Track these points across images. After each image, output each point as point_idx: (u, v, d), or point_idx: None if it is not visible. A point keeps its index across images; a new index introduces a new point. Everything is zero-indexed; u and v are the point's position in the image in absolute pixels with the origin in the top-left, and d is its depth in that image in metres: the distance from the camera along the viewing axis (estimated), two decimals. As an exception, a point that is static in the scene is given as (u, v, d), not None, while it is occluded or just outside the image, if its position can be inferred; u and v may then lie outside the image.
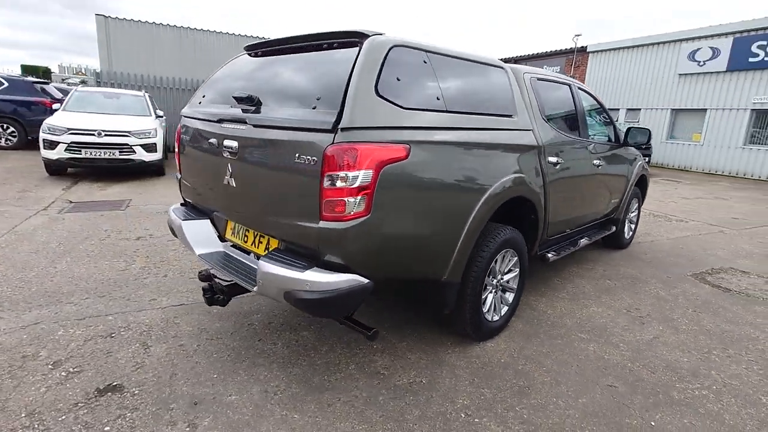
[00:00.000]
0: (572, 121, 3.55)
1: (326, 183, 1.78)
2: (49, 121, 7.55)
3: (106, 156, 7.59)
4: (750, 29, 13.72)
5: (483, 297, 2.61)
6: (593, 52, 19.00)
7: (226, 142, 2.25)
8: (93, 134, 7.46)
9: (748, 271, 4.53)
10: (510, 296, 2.92)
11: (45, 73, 41.69)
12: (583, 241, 3.86)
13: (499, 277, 2.76)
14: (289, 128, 1.93)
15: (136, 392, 2.14)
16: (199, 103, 2.71)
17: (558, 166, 3.13)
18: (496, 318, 2.80)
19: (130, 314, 2.92)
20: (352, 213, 1.79)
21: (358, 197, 1.77)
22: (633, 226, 5.22)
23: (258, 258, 2.34)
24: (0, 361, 2.33)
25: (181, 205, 2.97)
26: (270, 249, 2.26)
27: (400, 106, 1.96)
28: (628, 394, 2.33)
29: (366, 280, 1.86)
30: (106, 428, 1.89)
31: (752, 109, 13.81)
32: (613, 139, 4.26)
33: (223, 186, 2.33)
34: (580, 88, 3.85)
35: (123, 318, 2.86)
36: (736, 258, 4.99)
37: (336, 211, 1.79)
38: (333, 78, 1.94)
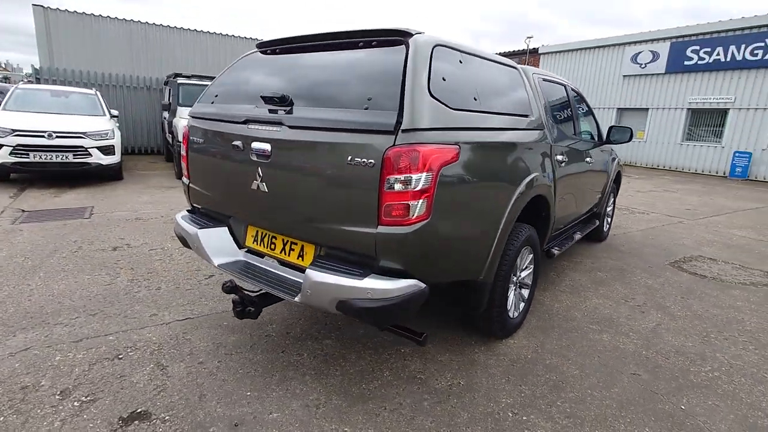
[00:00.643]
0: (569, 120, 3.68)
1: (387, 186, 1.71)
2: (-12, 121, 6.83)
3: (59, 160, 6.97)
4: (684, 35, 14.90)
5: (507, 295, 2.64)
6: (544, 53, 19.87)
7: (256, 145, 2.12)
8: (42, 136, 6.82)
9: (714, 258, 4.92)
10: (526, 293, 2.98)
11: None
12: (577, 236, 4.01)
13: (518, 274, 2.81)
14: (338, 130, 1.84)
15: (167, 418, 1.98)
16: (212, 102, 2.54)
17: (563, 164, 3.23)
18: (516, 315, 2.85)
19: (132, 332, 2.69)
20: (414, 217, 1.74)
21: (420, 200, 1.73)
22: (609, 220, 5.50)
23: (281, 264, 2.24)
24: (-3, 394, 2.06)
25: (188, 212, 2.77)
26: (304, 256, 2.16)
27: (449, 107, 1.93)
28: (652, 381, 2.44)
29: (424, 285, 1.82)
30: (146, 460, 1.72)
31: (688, 109, 15.01)
32: (596, 137, 4.46)
33: (250, 191, 2.19)
34: (572, 88, 4.00)
35: (126, 337, 2.63)
36: (701, 246, 5.39)
37: (397, 215, 1.73)
38: (383, 78, 1.87)
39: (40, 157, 6.84)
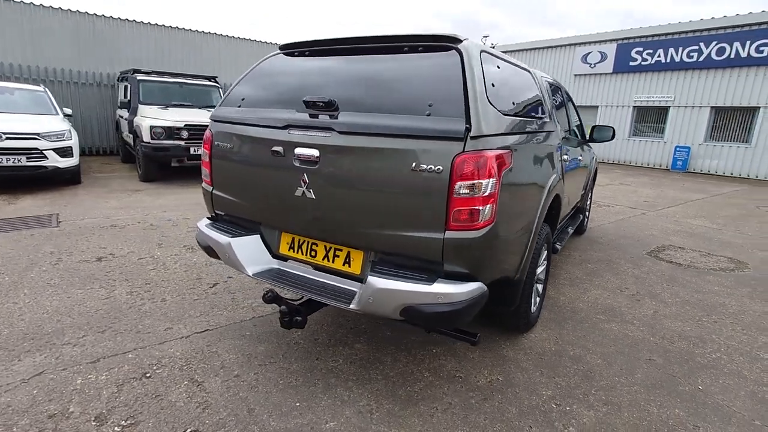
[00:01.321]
0: (565, 119, 3.86)
1: (456, 192, 1.74)
2: (-74, 122, 6.12)
3: (11, 163, 6.39)
4: (629, 37, 15.92)
5: (533, 291, 2.75)
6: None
7: (300, 151, 2.06)
8: (-9, 138, 6.21)
9: (682, 246, 5.34)
10: (540, 287, 3.11)
11: None
12: (570, 230, 4.23)
13: (537, 270, 2.93)
14: (398, 136, 1.84)
15: (221, 436, 1.90)
16: (239, 106, 2.43)
17: (566, 163, 3.39)
18: (534, 309, 2.97)
19: (152, 348, 2.54)
20: (482, 221, 1.78)
21: (488, 205, 1.76)
22: (588, 214, 5.82)
23: (317, 270, 2.21)
24: (24, 427, 1.89)
25: (209, 218, 2.65)
26: (350, 262, 2.14)
27: (501, 112, 1.98)
28: (667, 365, 2.64)
29: (485, 287, 1.86)
30: (217, 483, 1.65)
31: (634, 106, 16.09)
32: (579, 135, 4.70)
33: (292, 198, 2.14)
34: (564, 89, 4.19)
35: (146, 354, 2.49)
36: (668, 236, 5.83)
37: (466, 219, 1.76)
38: (442, 84, 1.88)
39: (-11, 161, 6.23)
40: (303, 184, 2.08)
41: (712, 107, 14.19)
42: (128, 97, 8.98)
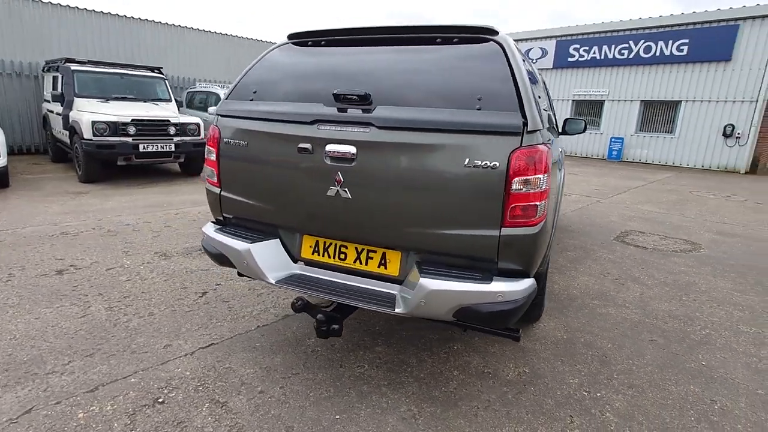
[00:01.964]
0: (551, 114, 3.97)
1: (514, 188, 1.70)
2: None
3: (-76, 166, 5.51)
4: (567, 35, 16.83)
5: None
6: (446, 47, 20.86)
7: (334, 147, 1.92)
8: None
9: (642, 231, 5.74)
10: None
11: None
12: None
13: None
14: (447, 131, 1.76)
15: (266, 460, 1.75)
16: (251, 99, 2.22)
17: (558, 154, 3.49)
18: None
19: (155, 370, 2.29)
20: (538, 216, 1.75)
21: (543, 201, 1.74)
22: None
23: (345, 273, 2.10)
24: (29, 475, 1.62)
25: (216, 222, 2.42)
26: (386, 264, 2.04)
27: (539, 107, 1.96)
28: (668, 344, 2.80)
29: (535, 282, 1.85)
30: None
31: (573, 100, 17.08)
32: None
33: (324, 198, 1.99)
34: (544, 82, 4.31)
35: (151, 376, 2.23)
36: (626, 222, 6.25)
37: (523, 215, 1.73)
38: (488, 77, 1.82)
39: None
40: (337, 183, 1.95)
41: (641, 101, 15.40)
42: (59, 90, 8.08)
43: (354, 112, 1.95)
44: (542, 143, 1.75)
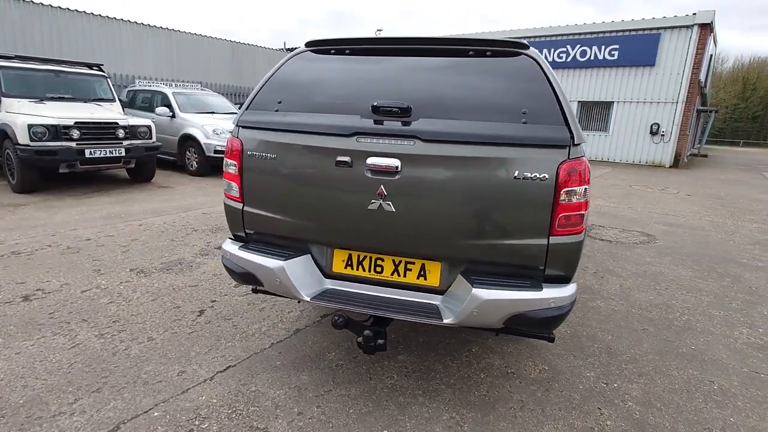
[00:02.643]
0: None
1: (563, 198, 1.77)
2: None
3: None
4: (540, 35, 17.60)
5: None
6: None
7: (376, 161, 1.89)
8: None
9: (602, 225, 6.18)
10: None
11: None
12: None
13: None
14: (496, 144, 1.80)
15: (328, 486, 1.70)
16: (276, 110, 2.12)
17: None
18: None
19: (177, 400, 2.14)
20: (583, 224, 1.84)
21: (587, 209, 1.83)
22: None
23: (379, 286, 2.09)
24: None
25: (235, 239, 2.29)
26: (426, 275, 2.05)
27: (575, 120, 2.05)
28: (659, 332, 3.06)
29: (577, 288, 1.95)
30: None
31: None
32: None
33: (365, 212, 1.96)
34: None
35: (175, 408, 2.08)
36: (585, 216, 6.69)
37: (570, 224, 1.81)
38: (526, 90, 1.88)
39: None
40: (380, 196, 1.92)
41: (579, 101, 16.52)
42: (-18, 89, 7.18)
43: (393, 125, 1.93)
44: (583, 156, 1.84)
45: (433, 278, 2.05)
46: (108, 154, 6.96)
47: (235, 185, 2.19)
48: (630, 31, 14.99)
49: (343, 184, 1.98)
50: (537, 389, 2.36)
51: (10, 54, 7.62)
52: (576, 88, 16.44)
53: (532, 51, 2.02)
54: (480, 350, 2.73)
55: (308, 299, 2.06)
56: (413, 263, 2.07)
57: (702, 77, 15.11)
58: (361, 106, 1.99)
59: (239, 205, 2.21)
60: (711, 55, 17.69)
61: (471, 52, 2.05)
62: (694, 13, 13.77)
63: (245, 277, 2.15)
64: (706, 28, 13.90)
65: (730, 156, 23.56)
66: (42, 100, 7.18)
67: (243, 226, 2.24)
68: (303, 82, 2.20)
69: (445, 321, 1.90)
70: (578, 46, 16.00)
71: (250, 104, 2.20)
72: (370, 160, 1.91)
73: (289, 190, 2.09)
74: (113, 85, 11.59)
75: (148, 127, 7.60)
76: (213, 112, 9.76)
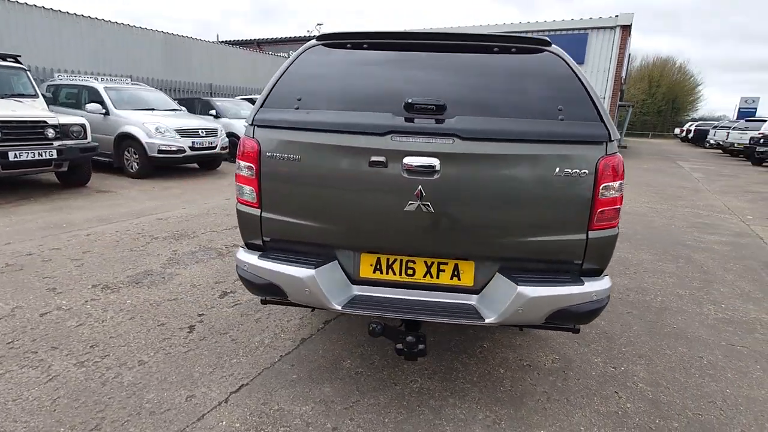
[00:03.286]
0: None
1: (601, 193, 1.81)
2: None
3: None
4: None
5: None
6: (336, 41, 20.78)
7: (414, 160, 1.82)
8: None
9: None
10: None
11: None
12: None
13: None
14: (536, 141, 1.80)
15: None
16: (296, 108, 1.96)
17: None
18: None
19: (195, 429, 1.93)
20: (618, 219, 1.90)
21: (622, 204, 1.89)
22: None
23: (407, 288, 2.04)
24: None
25: (250, 247, 2.10)
26: (460, 275, 2.02)
27: None
28: (642, 315, 3.27)
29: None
30: None
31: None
32: None
33: (401, 213, 1.87)
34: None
35: (195, 438, 1.88)
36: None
37: (607, 218, 1.86)
38: (557, 87, 1.89)
39: None
40: (417, 197, 1.85)
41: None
42: None
43: (428, 123, 1.87)
44: (618, 151, 1.90)
45: (467, 278, 2.02)
46: (36, 157, 6.17)
47: (251, 190, 2.01)
48: (561, 30, 15.97)
49: (378, 186, 1.89)
50: (555, 379, 2.43)
51: None
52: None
53: (555, 47, 2.04)
54: (491, 345, 2.76)
55: (339, 308, 1.95)
56: (446, 264, 2.03)
57: (623, 74, 16.49)
58: (391, 104, 1.90)
59: (257, 211, 2.03)
60: (629, 54, 19.35)
61: (496, 49, 2.03)
62: (617, 16, 14.97)
63: (267, 288, 1.98)
64: (627, 29, 15.17)
65: (644, 147, 25.97)
66: (-53, 96, 6.22)
67: (261, 233, 2.06)
68: (322, 77, 2.06)
69: (487, 321, 1.88)
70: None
71: (264, 102, 2.02)
72: (408, 160, 1.83)
73: (316, 193, 1.95)
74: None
75: (82, 125, 6.85)
76: (152, 109, 9.02)
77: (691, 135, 30.15)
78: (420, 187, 1.85)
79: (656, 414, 2.16)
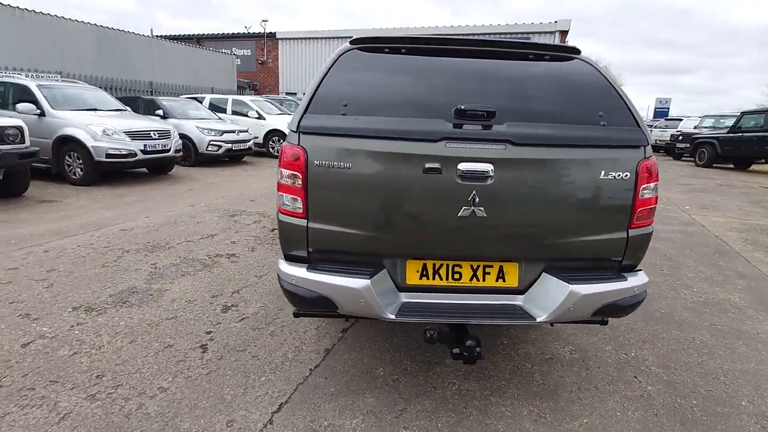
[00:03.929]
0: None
1: (641, 194, 1.93)
2: None
3: None
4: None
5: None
6: (282, 39, 20.29)
7: (469, 166, 1.83)
8: None
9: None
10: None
11: None
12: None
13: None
14: (582, 146, 1.88)
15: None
16: (343, 114, 1.89)
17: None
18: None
19: (248, 455, 1.83)
20: (653, 217, 2.03)
21: (656, 204, 2.03)
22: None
23: (452, 293, 2.08)
24: None
25: (292, 259, 2.00)
26: (504, 277, 2.08)
27: None
28: (630, 302, 3.53)
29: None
30: None
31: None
32: None
33: (455, 219, 1.88)
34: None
35: (251, 465, 1.78)
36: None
37: (645, 217, 1.98)
38: (594, 94, 1.99)
39: None
40: (471, 202, 1.87)
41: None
42: None
43: (475, 128, 1.89)
44: (652, 155, 2.03)
45: (512, 279, 2.08)
46: (-34, 165, 5.46)
47: (297, 199, 1.92)
48: (506, 34, 16.71)
49: (432, 192, 1.88)
50: (579, 369, 2.56)
51: None
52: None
53: (585, 55, 2.15)
54: (510, 341, 2.85)
55: (393, 317, 1.93)
56: (491, 266, 2.07)
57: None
58: (440, 110, 1.91)
59: (303, 222, 1.95)
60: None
61: (531, 56, 2.10)
62: (556, 21, 15.95)
63: (317, 302, 1.91)
64: (565, 34, 16.20)
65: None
66: None
67: (307, 244, 1.98)
68: (364, 82, 2.02)
69: (538, 320, 1.94)
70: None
71: (307, 107, 1.93)
72: (462, 166, 1.85)
73: (367, 201, 1.91)
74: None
75: (19, 128, 6.14)
76: (95, 109, 8.29)
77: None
78: (474, 192, 1.87)
79: (675, 394, 2.35)
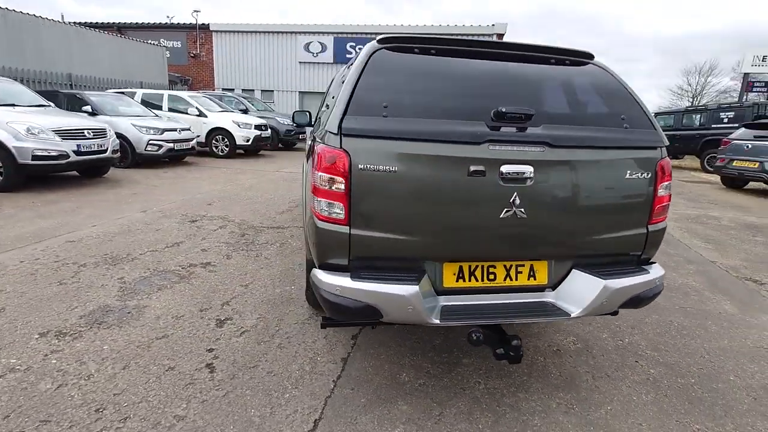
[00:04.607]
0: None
1: (660, 192, 2.07)
2: None
3: None
4: (342, 32, 18.11)
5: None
6: (217, 31, 19.26)
7: (511, 168, 1.85)
8: None
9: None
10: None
11: None
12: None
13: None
14: (612, 147, 1.97)
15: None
16: (384, 116, 1.80)
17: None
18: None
19: (300, 481, 1.71)
20: (667, 213, 2.18)
21: (670, 200, 2.18)
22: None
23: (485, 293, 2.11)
24: None
25: (329, 268, 1.89)
26: (535, 275, 2.13)
27: None
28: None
29: None
30: None
31: (354, 93, 18.64)
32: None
33: (496, 221, 1.89)
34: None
35: (306, 491, 1.67)
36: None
37: (661, 212, 2.13)
38: (614, 98, 2.09)
39: None
40: (513, 203, 1.89)
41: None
42: None
43: (513, 130, 1.92)
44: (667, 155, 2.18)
45: (542, 277, 2.14)
46: None
47: (338, 205, 1.82)
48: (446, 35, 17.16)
49: (476, 195, 1.88)
50: (587, 359, 2.70)
51: None
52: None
53: (598, 60, 2.26)
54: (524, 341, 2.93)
55: (438, 322, 1.90)
56: (523, 265, 2.12)
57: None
58: (478, 112, 1.90)
59: (345, 229, 1.85)
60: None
61: (553, 60, 2.16)
62: (493, 24, 16.67)
63: (363, 311, 1.83)
64: (501, 37, 16.97)
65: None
66: None
67: (349, 252, 1.88)
68: (400, 83, 1.96)
69: (573, 315, 2.02)
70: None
71: (347, 108, 1.83)
72: (505, 168, 1.86)
73: (411, 205, 1.86)
74: None
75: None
76: (13, 104, 7.31)
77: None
78: (516, 193, 1.90)
79: (675, 374, 2.56)
